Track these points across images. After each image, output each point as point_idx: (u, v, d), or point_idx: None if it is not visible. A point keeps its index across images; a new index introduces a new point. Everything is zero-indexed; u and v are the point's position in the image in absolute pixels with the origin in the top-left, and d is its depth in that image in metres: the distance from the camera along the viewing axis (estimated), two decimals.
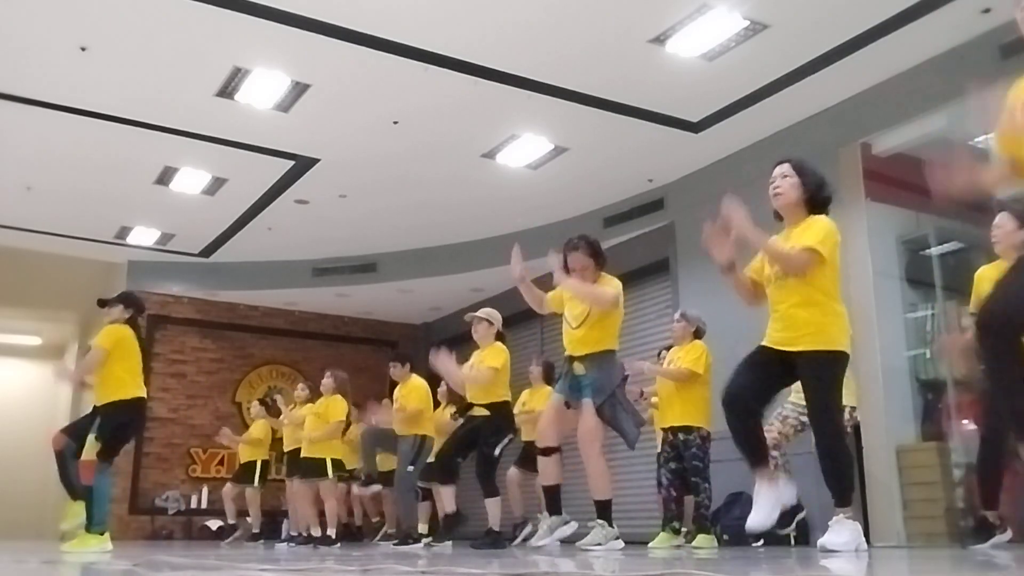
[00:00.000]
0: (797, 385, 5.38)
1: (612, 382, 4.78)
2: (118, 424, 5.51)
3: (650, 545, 6.00)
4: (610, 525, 4.77)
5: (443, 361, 5.82)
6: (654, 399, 6.62)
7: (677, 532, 6.09)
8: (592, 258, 4.99)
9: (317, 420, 7.82)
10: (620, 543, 4.81)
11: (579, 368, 4.81)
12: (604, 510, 4.79)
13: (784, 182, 3.92)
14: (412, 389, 7.19)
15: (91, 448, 5.44)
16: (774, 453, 5.14)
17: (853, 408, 5.40)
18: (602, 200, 8.80)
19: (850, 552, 3.70)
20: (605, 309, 4.82)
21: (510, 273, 5.07)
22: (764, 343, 3.88)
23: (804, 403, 5.25)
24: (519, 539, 6.97)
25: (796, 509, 5.36)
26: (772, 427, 5.24)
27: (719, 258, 3.86)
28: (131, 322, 5.67)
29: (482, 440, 5.88)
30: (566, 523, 5.04)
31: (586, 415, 4.72)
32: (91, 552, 5.15)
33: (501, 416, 5.95)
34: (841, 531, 3.76)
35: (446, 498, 5.87)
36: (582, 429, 4.73)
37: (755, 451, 3.80)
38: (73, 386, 6.02)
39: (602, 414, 4.72)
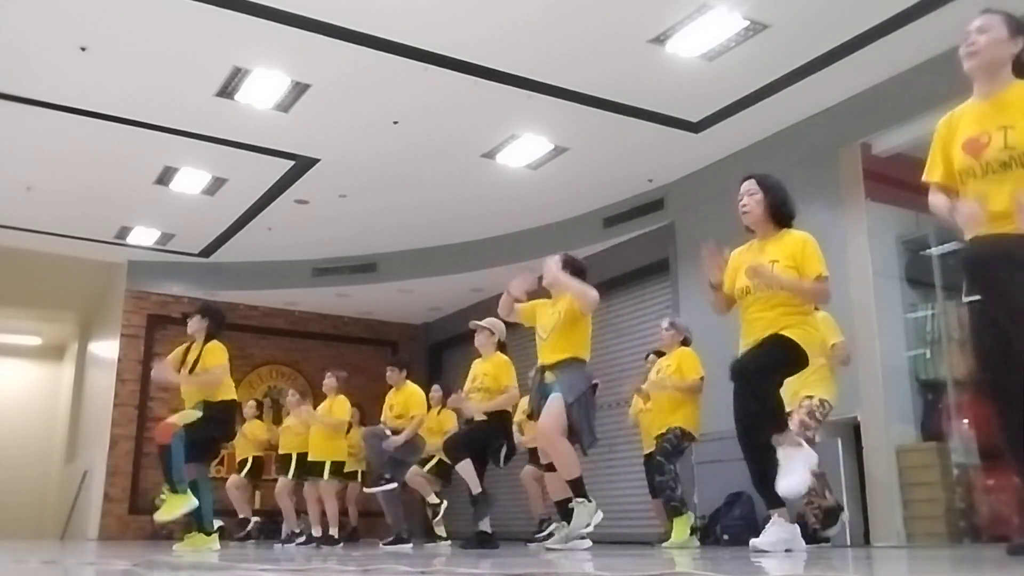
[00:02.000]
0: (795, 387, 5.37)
1: (581, 386, 4.90)
2: (215, 421, 5.76)
3: (664, 545, 5.99)
4: (588, 500, 4.85)
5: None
6: (648, 404, 6.61)
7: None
8: (574, 276, 5.12)
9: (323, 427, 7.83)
10: (600, 515, 4.87)
11: (549, 376, 4.96)
12: (578, 487, 4.87)
13: (750, 199, 4.07)
14: (410, 395, 7.18)
15: (184, 416, 5.71)
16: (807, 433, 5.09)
17: (824, 401, 5.22)
18: (602, 200, 8.80)
19: (779, 552, 3.77)
20: (586, 305, 4.98)
21: (510, 288, 5.18)
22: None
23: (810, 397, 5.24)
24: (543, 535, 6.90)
25: (838, 509, 5.34)
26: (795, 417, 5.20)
27: (713, 278, 4.10)
28: (211, 331, 6.10)
29: (486, 445, 5.87)
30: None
31: (552, 406, 4.82)
32: (201, 551, 5.35)
33: (500, 423, 5.96)
34: (772, 531, 3.88)
35: (467, 477, 5.79)
36: (545, 419, 4.83)
37: (773, 421, 3.80)
38: (175, 380, 6.09)
39: (570, 414, 4.81)
